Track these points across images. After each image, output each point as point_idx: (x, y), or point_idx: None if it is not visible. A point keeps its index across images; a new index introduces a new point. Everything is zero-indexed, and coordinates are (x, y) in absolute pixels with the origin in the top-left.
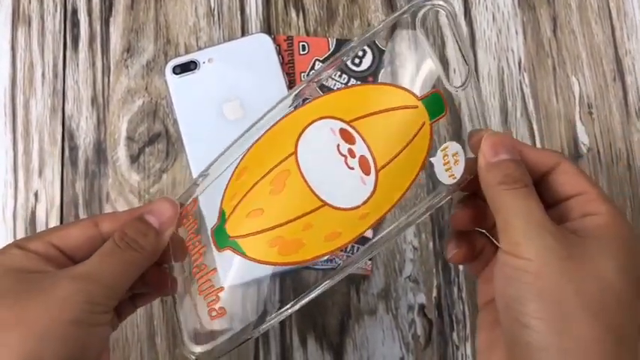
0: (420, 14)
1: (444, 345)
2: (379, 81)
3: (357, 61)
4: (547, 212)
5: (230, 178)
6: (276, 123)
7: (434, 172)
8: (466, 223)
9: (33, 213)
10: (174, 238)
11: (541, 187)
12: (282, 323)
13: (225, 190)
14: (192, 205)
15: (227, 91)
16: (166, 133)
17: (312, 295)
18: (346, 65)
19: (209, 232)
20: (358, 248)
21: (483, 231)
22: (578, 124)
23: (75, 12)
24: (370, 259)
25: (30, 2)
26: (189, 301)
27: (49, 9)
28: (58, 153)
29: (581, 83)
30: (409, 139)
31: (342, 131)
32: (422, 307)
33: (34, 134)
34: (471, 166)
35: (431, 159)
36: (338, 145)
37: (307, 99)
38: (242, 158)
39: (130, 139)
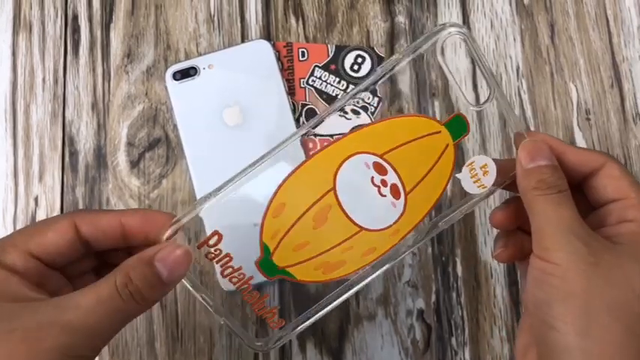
0: (439, 45)
1: (443, 350)
2: (401, 112)
3: (355, 67)
4: (588, 216)
5: (266, 214)
6: (310, 158)
7: (460, 184)
8: (503, 222)
9: (33, 218)
10: None
11: (584, 189)
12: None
13: (263, 224)
14: (214, 238)
15: (227, 97)
16: (166, 139)
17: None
18: (345, 71)
19: (253, 265)
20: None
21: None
22: (576, 130)
23: (75, 18)
24: None
25: (31, 8)
26: (245, 320)
27: (50, 15)
28: (59, 158)
29: (578, 90)
30: (434, 161)
31: (376, 164)
32: (421, 312)
33: (34, 139)
34: (508, 169)
35: (457, 175)
36: (372, 178)
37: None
38: (275, 194)
39: (130, 144)
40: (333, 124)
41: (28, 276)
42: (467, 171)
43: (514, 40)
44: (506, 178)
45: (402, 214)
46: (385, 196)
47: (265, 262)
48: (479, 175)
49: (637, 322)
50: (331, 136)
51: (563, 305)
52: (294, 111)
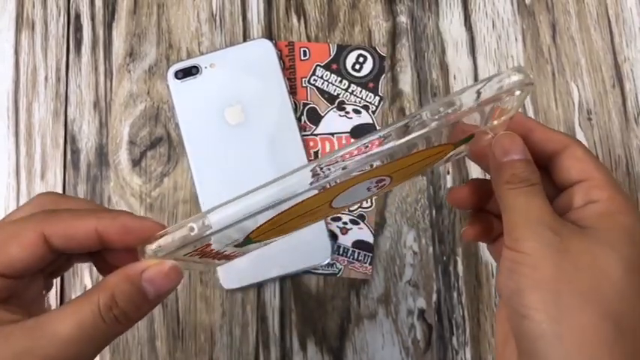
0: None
1: (444, 349)
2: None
3: (357, 66)
4: (554, 199)
5: (261, 226)
6: (320, 192)
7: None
8: (458, 201)
9: None
10: None
11: (550, 170)
12: (282, 327)
13: (254, 230)
14: (206, 246)
15: (228, 96)
16: (168, 137)
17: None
18: (346, 70)
19: (227, 247)
20: (358, 253)
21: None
22: (578, 130)
23: (78, 16)
24: (370, 264)
25: (34, 7)
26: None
27: (53, 13)
28: (60, 156)
29: (580, 89)
30: (428, 162)
31: (379, 180)
32: (422, 311)
33: (36, 137)
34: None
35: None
36: (369, 188)
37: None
38: (273, 217)
39: (131, 142)
40: (334, 122)
41: None
42: (444, 159)
43: (515, 39)
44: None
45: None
46: (370, 190)
47: (242, 244)
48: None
49: (608, 303)
50: (332, 134)
51: (534, 293)
52: (295, 110)
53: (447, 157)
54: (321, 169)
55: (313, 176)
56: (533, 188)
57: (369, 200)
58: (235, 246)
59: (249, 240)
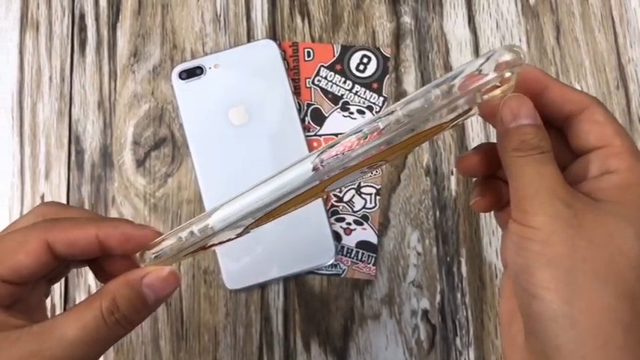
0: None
1: (447, 350)
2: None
3: (361, 67)
4: (568, 166)
5: (261, 218)
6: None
7: None
8: (469, 169)
9: None
10: None
11: (566, 133)
12: (285, 327)
13: (253, 223)
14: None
15: (233, 97)
16: (172, 138)
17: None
18: (350, 71)
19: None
20: (362, 253)
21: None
22: None
23: (82, 17)
24: (374, 265)
25: (38, 7)
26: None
27: (57, 14)
28: (65, 156)
29: (584, 90)
30: (422, 139)
31: (374, 165)
32: (425, 312)
33: (40, 138)
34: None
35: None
36: (363, 171)
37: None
38: (275, 209)
39: (136, 143)
40: (338, 123)
41: (0, 301)
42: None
43: (519, 40)
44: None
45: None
46: (364, 172)
47: (238, 235)
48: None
49: (625, 282)
50: (336, 135)
51: (545, 272)
52: (299, 111)
53: (450, 125)
54: (322, 163)
55: (313, 170)
56: (543, 156)
57: (372, 200)
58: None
59: (246, 231)
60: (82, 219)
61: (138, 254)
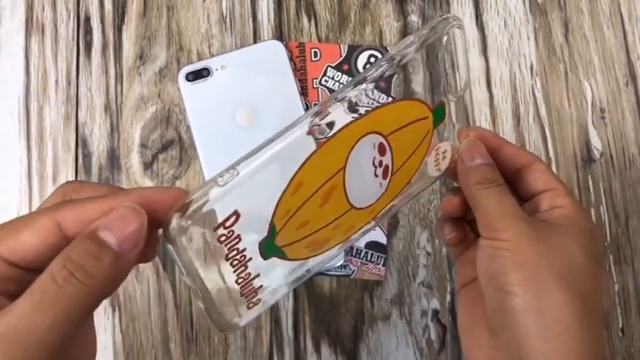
0: (444, 37)
1: (458, 350)
2: (396, 93)
3: (368, 67)
4: (521, 205)
5: (285, 193)
6: (331, 138)
7: (426, 167)
8: (456, 210)
9: None
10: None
11: (517, 182)
12: (295, 329)
13: (278, 204)
14: (232, 219)
15: (240, 98)
16: (179, 140)
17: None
18: (358, 71)
19: (257, 246)
20: (372, 254)
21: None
22: (591, 128)
23: (88, 19)
24: (384, 265)
25: (43, 10)
26: (228, 302)
27: (63, 17)
28: (72, 160)
29: (593, 88)
30: (417, 145)
31: (380, 145)
32: (435, 312)
33: (47, 141)
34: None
35: (427, 158)
36: (374, 158)
37: (329, 113)
38: (296, 173)
39: (143, 145)
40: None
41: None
42: (433, 154)
43: (528, 38)
44: (451, 164)
45: (383, 194)
46: (377, 176)
47: (268, 243)
48: (439, 159)
49: (577, 284)
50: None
51: (518, 272)
52: (306, 111)
53: (434, 157)
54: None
55: (313, 115)
56: (501, 188)
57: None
58: (264, 245)
59: (274, 236)
60: (93, 196)
61: (167, 223)
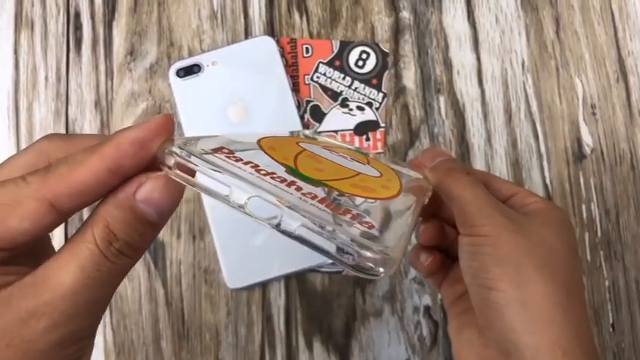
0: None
1: (449, 346)
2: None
3: (360, 63)
4: None
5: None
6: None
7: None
8: (433, 238)
9: None
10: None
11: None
12: (287, 325)
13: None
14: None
15: (231, 94)
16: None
17: None
18: (349, 67)
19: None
20: None
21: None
22: (582, 124)
23: (78, 15)
24: None
25: (33, 6)
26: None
27: (52, 12)
28: None
29: (584, 84)
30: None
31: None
32: (427, 308)
33: (37, 137)
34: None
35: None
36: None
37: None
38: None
39: None
40: (338, 119)
41: None
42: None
43: (519, 34)
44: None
45: (380, 175)
46: (345, 157)
47: (295, 172)
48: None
49: (559, 274)
50: (335, 131)
51: (498, 267)
52: (298, 107)
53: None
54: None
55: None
56: (472, 178)
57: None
58: (293, 173)
59: (297, 171)
60: (79, 155)
61: (159, 153)
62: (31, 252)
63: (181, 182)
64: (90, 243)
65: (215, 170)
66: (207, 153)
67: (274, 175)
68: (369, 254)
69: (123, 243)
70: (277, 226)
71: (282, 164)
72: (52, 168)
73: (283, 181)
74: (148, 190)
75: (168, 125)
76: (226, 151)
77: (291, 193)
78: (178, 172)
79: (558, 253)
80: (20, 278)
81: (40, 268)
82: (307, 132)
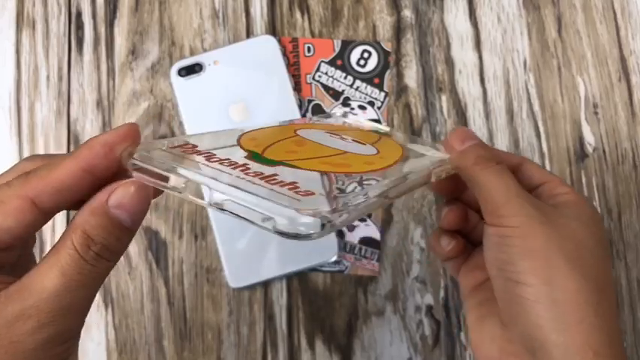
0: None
1: (452, 345)
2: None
3: (362, 62)
4: None
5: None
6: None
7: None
8: (458, 220)
9: None
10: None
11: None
12: (289, 325)
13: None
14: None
15: (233, 93)
16: (172, 136)
17: None
18: (351, 66)
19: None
20: (366, 249)
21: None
22: (584, 124)
23: (79, 14)
24: (377, 261)
25: (34, 5)
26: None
27: (54, 12)
28: None
29: (586, 83)
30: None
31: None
32: (429, 307)
33: (39, 137)
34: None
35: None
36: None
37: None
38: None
39: None
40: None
41: None
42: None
43: (521, 33)
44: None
45: (375, 154)
46: (347, 139)
47: (257, 156)
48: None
49: (590, 268)
50: None
51: (527, 261)
52: (300, 107)
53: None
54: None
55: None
56: (501, 167)
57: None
58: (254, 158)
59: (260, 155)
60: (55, 159)
61: (123, 154)
62: (17, 264)
63: (150, 184)
64: (70, 249)
65: (161, 166)
66: (166, 150)
67: (225, 161)
68: (281, 218)
69: (101, 246)
70: (211, 205)
71: (248, 151)
72: (33, 171)
73: (233, 164)
74: (118, 196)
75: (133, 132)
76: (190, 146)
77: (230, 174)
78: (140, 174)
79: (589, 249)
80: (6, 287)
81: (24, 276)
82: (315, 118)
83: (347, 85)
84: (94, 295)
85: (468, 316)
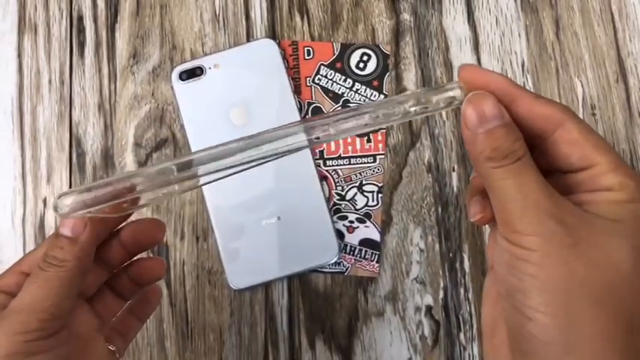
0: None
1: (452, 346)
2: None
3: (361, 65)
4: (550, 178)
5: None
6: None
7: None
8: (485, 217)
9: (42, 219)
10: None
11: (541, 151)
12: (290, 326)
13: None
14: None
15: (233, 97)
16: (173, 139)
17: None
18: (350, 69)
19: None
20: (365, 251)
21: None
22: None
23: (81, 19)
24: (377, 262)
25: (36, 9)
26: None
27: (55, 16)
28: (66, 159)
29: (584, 85)
30: None
31: None
32: (429, 308)
33: (41, 141)
34: None
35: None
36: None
37: (318, 137)
38: None
39: (137, 144)
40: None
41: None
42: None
43: (519, 36)
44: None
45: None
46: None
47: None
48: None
49: (621, 301)
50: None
51: (542, 296)
52: (300, 110)
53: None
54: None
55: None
56: (521, 164)
57: (374, 198)
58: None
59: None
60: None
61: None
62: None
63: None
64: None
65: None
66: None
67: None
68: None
69: (50, 256)
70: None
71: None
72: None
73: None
74: (64, 223)
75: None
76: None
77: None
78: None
79: (623, 273)
80: None
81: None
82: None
83: (346, 87)
84: (58, 302)
85: (483, 310)
